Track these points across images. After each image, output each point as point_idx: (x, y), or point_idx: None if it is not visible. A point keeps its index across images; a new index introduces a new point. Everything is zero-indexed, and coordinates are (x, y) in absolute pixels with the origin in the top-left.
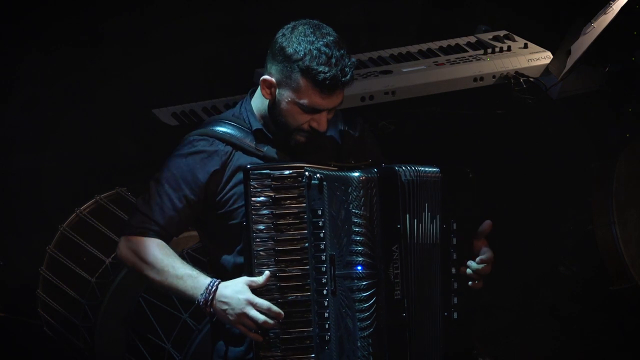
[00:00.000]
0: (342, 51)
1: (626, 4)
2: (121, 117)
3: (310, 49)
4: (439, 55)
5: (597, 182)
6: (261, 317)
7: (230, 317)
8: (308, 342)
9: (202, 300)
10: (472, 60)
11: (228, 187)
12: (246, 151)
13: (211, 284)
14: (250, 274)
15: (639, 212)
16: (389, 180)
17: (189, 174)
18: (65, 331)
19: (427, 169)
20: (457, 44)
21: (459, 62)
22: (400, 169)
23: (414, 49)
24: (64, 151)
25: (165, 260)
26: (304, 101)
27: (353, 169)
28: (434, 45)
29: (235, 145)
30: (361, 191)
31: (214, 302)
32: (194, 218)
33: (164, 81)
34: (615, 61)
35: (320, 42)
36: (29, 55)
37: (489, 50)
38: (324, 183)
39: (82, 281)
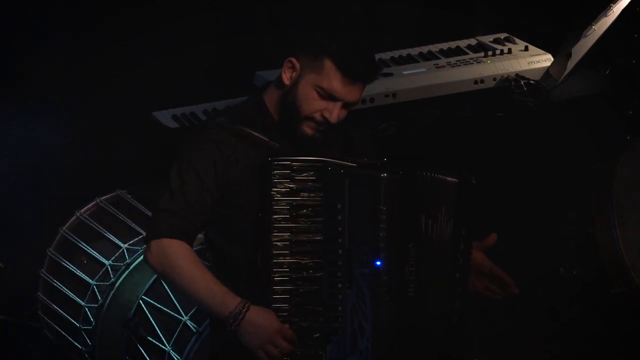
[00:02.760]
0: (371, 47)
1: (627, 6)
2: (121, 119)
3: (343, 36)
4: (440, 58)
5: (597, 184)
6: (289, 347)
7: (255, 342)
8: (318, 334)
9: (230, 318)
10: (472, 63)
11: (242, 179)
12: (260, 145)
13: (242, 305)
14: (265, 265)
15: (639, 215)
16: (410, 180)
17: (208, 167)
18: (65, 334)
19: (445, 172)
20: (457, 47)
21: (459, 65)
22: (421, 170)
23: (414, 51)
24: (64, 153)
25: (196, 270)
26: (324, 84)
27: (373, 167)
28: (435, 47)
29: (249, 139)
30: (384, 189)
31: (242, 323)
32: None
33: (164, 83)
34: (616, 64)
35: (355, 35)
36: (29, 57)
37: (490, 53)
38: (346, 178)
39: (83, 284)
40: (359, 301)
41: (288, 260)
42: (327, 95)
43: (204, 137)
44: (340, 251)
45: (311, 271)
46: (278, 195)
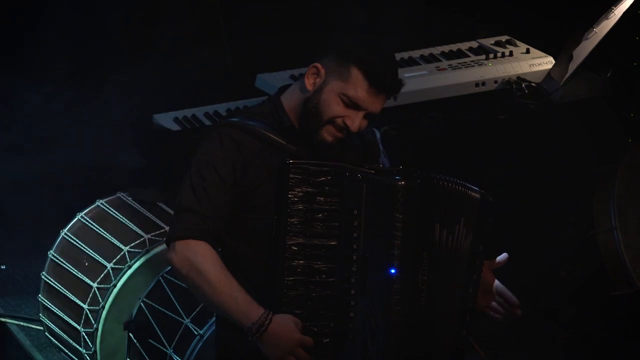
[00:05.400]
0: (396, 63)
1: (628, 8)
2: (123, 122)
3: (372, 47)
4: (441, 60)
5: (598, 187)
6: (309, 357)
7: (276, 352)
8: (328, 339)
9: (253, 329)
10: (474, 65)
11: (258, 181)
12: (277, 147)
13: (265, 315)
14: (279, 268)
15: None
16: (428, 189)
17: (228, 166)
18: (67, 336)
19: (468, 185)
20: (459, 49)
21: (460, 67)
22: (440, 180)
23: (415, 54)
24: (65, 156)
25: (221, 276)
26: (350, 93)
27: (391, 174)
28: (436, 50)
29: (266, 141)
30: (401, 197)
31: (264, 335)
32: None
33: (166, 86)
34: (617, 66)
35: (383, 47)
36: (29, 58)
37: (491, 55)
38: (364, 184)
39: (84, 286)
40: (371, 308)
41: (301, 263)
42: (352, 104)
43: (223, 136)
44: (354, 257)
45: (324, 276)
46: (294, 199)
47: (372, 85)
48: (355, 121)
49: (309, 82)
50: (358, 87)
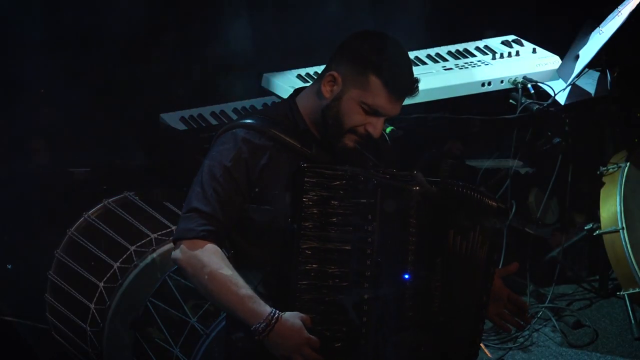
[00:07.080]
0: (411, 65)
1: (635, 9)
2: (129, 121)
3: (388, 53)
4: (448, 60)
5: (605, 186)
6: (316, 356)
7: (282, 352)
8: (340, 344)
9: (259, 328)
10: (480, 65)
11: (272, 183)
12: (291, 150)
13: (272, 314)
14: (292, 272)
15: None
16: (442, 195)
17: (241, 167)
18: (73, 336)
19: (484, 192)
20: (465, 49)
21: (467, 67)
22: (456, 186)
23: (422, 53)
24: (72, 155)
25: (227, 275)
26: (369, 101)
27: (405, 179)
28: (443, 49)
29: (281, 143)
30: (416, 202)
31: (271, 334)
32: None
33: (173, 85)
34: (624, 66)
35: (398, 51)
36: (36, 58)
37: (498, 55)
38: (379, 189)
39: (91, 285)
40: (384, 313)
41: (315, 267)
42: (372, 111)
43: (238, 137)
44: (368, 262)
45: (337, 280)
46: (309, 203)
47: (391, 93)
48: (377, 127)
49: (326, 90)
50: (378, 95)
